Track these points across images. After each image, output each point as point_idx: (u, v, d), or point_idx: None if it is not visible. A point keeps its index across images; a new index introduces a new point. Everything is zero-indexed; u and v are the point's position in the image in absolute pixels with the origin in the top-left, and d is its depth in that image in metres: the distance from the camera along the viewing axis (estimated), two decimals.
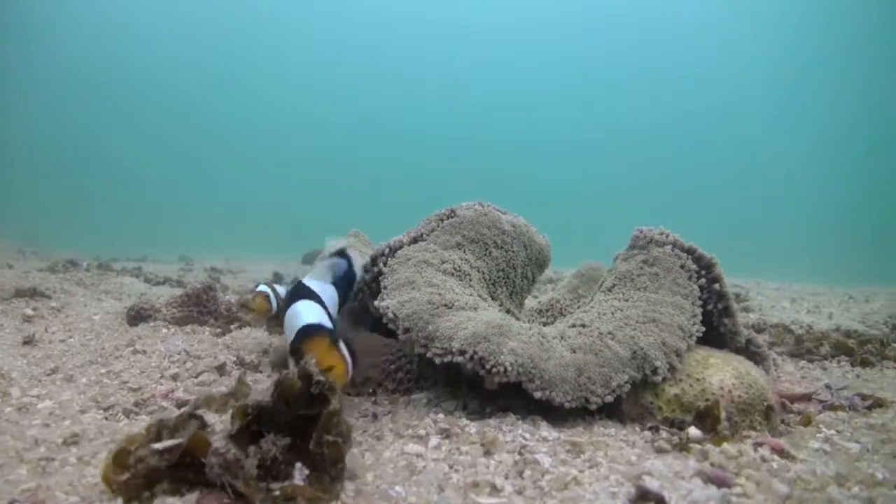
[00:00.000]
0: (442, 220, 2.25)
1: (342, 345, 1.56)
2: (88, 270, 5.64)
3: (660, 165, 37.15)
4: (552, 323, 2.42)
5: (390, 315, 1.80)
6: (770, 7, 29.65)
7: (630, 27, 34.46)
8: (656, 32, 33.94)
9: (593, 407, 1.62)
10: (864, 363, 2.82)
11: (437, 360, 1.67)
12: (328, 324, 1.61)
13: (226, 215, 26.49)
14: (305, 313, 1.62)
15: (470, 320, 1.73)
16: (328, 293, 1.86)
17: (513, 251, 2.22)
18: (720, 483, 1.17)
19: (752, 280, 8.47)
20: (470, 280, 2.04)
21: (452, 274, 2.02)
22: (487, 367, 1.61)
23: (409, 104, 40.40)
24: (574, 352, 1.69)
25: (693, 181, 37.51)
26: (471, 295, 1.95)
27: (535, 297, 2.99)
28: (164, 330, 2.92)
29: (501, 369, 1.60)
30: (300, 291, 1.78)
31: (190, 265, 8.19)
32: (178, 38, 33.06)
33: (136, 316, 3.07)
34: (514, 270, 2.23)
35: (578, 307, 2.42)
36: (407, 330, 1.76)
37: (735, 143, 36.70)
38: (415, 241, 2.18)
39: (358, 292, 2.17)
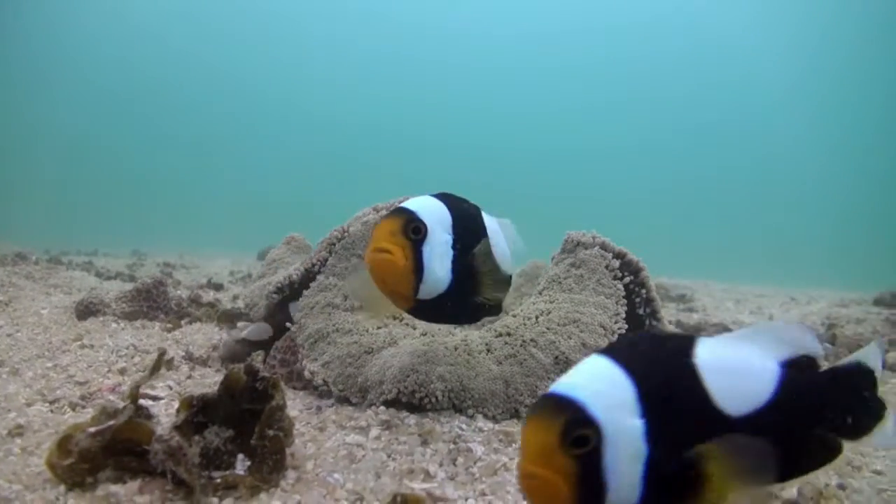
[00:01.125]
0: (334, 244, 2.23)
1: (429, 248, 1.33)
2: (38, 264, 5.52)
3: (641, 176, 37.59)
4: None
5: (319, 381, 1.88)
6: (790, 17, 30.06)
7: (649, 35, 34.68)
8: (672, 40, 34.23)
9: (524, 416, 1.71)
10: None
11: (379, 404, 1.74)
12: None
13: (181, 210, 25.97)
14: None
15: (394, 356, 1.81)
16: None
17: None
18: None
19: (701, 281, 8.73)
20: None
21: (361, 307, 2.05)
22: (418, 397, 1.70)
23: (395, 106, 40.08)
24: (500, 363, 1.79)
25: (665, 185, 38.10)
26: (386, 326, 2.02)
27: None
28: (114, 325, 2.91)
29: (434, 399, 1.69)
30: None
31: (142, 260, 8.06)
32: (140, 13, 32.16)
33: (85, 310, 3.05)
34: None
35: (520, 305, 2.52)
36: (341, 390, 1.83)
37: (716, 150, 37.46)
38: (308, 273, 2.20)
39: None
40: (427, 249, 1.32)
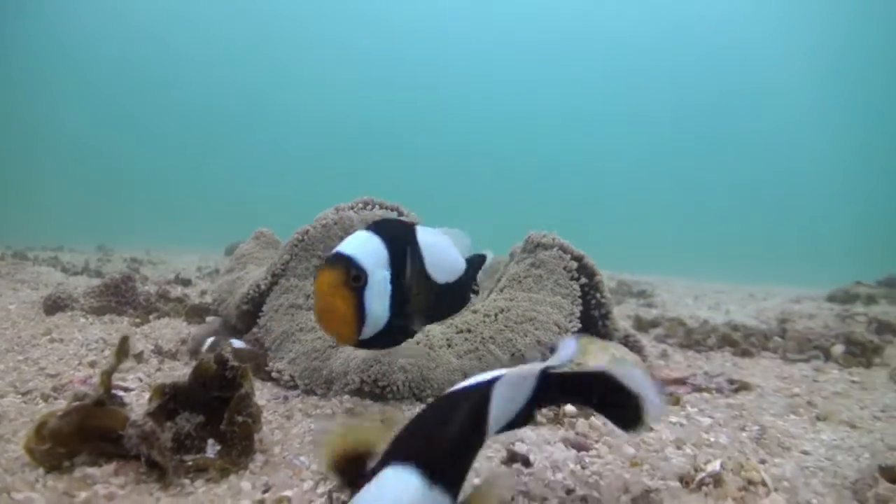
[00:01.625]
0: (296, 246, 2.29)
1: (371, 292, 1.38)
2: (3, 259, 5.47)
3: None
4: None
5: (286, 378, 1.95)
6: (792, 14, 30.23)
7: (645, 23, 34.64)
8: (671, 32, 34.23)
9: None
10: (745, 353, 3.13)
11: (345, 394, 1.82)
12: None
13: (147, 206, 25.52)
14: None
15: (358, 349, 1.90)
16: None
17: None
18: (580, 447, 1.38)
19: (664, 278, 8.96)
20: None
21: None
22: (381, 385, 1.79)
23: (371, 104, 39.70)
24: (460, 358, 1.89)
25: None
26: None
27: None
28: (82, 319, 2.94)
29: (395, 388, 1.79)
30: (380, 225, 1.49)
31: (108, 255, 7.99)
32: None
33: (53, 305, 3.07)
34: None
35: (479, 300, 2.62)
36: (307, 384, 1.91)
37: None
38: (275, 279, 2.27)
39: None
40: (368, 294, 1.37)
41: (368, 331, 1.41)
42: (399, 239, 1.46)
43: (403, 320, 1.48)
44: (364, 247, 1.39)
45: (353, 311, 1.36)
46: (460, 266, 1.64)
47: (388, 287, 1.41)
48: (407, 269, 1.43)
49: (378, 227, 1.45)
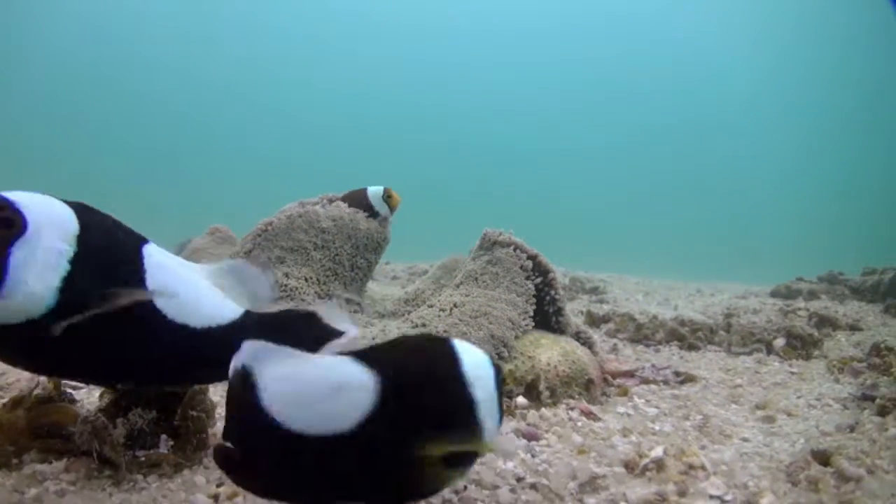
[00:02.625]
0: (259, 236, 2.27)
1: None
2: None
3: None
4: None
5: None
6: (762, 20, 30.74)
7: (621, 36, 34.92)
8: (646, 41, 34.60)
9: None
10: (692, 347, 3.24)
11: None
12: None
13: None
14: None
15: None
16: None
17: (336, 247, 2.31)
18: (530, 437, 1.43)
19: (617, 275, 9.14)
20: (302, 293, 2.15)
21: (282, 297, 2.10)
22: None
23: (342, 99, 39.17)
24: None
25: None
26: None
27: (404, 287, 3.18)
28: None
29: None
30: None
31: None
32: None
33: None
34: (341, 266, 2.33)
35: (437, 296, 2.65)
36: None
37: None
38: None
39: None
40: (19, 252, 0.95)
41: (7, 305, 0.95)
42: (106, 231, 1.09)
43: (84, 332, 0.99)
44: (39, 203, 1.02)
45: None
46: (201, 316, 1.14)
47: (64, 265, 0.99)
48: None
49: (79, 204, 1.08)
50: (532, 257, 2.27)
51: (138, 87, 33.51)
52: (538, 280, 2.23)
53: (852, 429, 1.69)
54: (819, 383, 2.42)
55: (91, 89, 32.30)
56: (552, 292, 2.25)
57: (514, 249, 2.26)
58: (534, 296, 2.19)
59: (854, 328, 3.76)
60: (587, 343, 2.33)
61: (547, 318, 2.26)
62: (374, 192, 2.47)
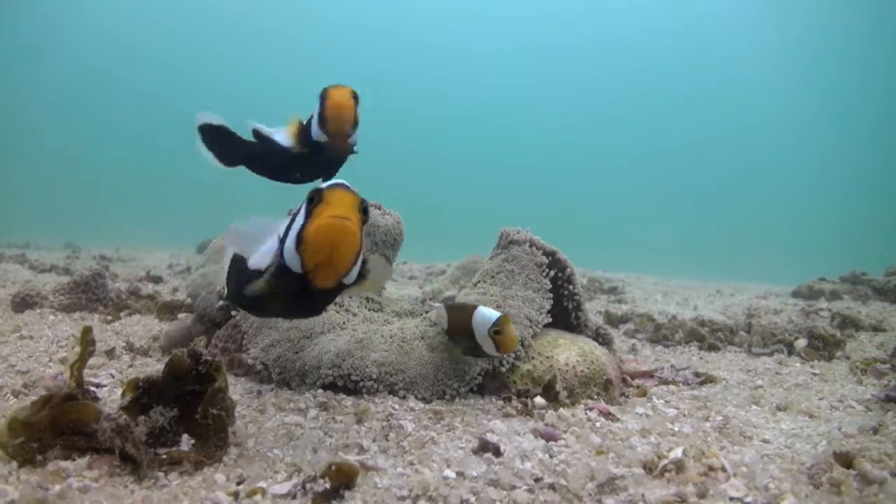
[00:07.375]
0: None
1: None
2: None
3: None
4: None
5: (259, 367, 1.98)
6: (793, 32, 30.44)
7: (644, 46, 34.80)
8: (671, 50, 34.45)
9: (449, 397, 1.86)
10: (711, 348, 3.21)
11: (317, 387, 1.85)
12: None
13: (116, 203, 25.04)
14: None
15: (332, 342, 1.92)
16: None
17: None
18: (548, 437, 1.42)
19: (634, 275, 9.08)
20: None
21: None
22: (354, 380, 1.82)
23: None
24: (433, 350, 1.92)
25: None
26: (325, 311, 2.07)
27: (421, 287, 3.18)
28: (52, 317, 2.91)
29: (369, 382, 1.82)
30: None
31: (77, 253, 7.87)
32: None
33: (22, 303, 3.04)
34: None
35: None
36: (280, 373, 1.93)
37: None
38: None
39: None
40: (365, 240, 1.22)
41: (351, 276, 1.25)
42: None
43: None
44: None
45: (359, 241, 1.21)
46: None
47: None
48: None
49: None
50: (550, 253, 2.26)
51: (155, 92, 34.01)
52: (555, 274, 2.22)
53: (875, 431, 1.66)
54: (841, 385, 2.38)
55: (110, 94, 32.75)
56: (570, 287, 2.24)
57: (530, 246, 2.25)
58: (549, 291, 2.18)
59: (877, 329, 3.71)
60: (607, 341, 2.31)
61: (566, 314, 2.25)
62: None
